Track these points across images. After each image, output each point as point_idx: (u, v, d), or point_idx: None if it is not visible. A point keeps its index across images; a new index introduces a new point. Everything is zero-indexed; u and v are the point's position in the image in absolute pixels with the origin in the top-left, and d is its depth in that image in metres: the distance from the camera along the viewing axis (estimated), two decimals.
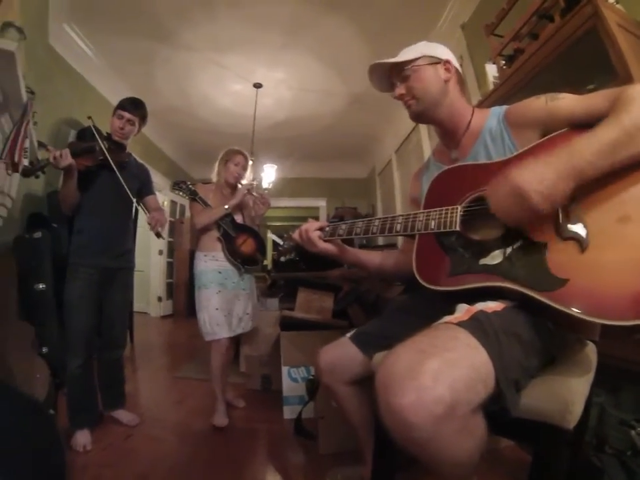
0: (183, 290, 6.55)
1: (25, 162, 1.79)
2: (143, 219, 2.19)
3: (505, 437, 1.45)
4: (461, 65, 1.23)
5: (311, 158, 7.01)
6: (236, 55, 3.87)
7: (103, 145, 1.92)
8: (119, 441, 1.90)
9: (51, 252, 2.17)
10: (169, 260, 6.63)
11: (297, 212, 8.28)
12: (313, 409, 2.01)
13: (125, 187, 1.94)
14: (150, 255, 6.20)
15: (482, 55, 2.53)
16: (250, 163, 2.58)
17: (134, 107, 2.08)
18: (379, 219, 1.17)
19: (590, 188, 0.80)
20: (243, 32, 3.48)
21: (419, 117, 1.20)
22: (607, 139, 0.78)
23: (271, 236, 1.76)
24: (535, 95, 1.02)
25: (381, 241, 5.25)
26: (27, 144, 1.83)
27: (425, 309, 1.00)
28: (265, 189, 5.13)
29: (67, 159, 1.72)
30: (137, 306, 5.25)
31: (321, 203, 7.63)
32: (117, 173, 1.92)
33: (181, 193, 2.35)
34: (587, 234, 0.75)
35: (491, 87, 2.07)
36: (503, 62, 2.01)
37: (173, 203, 6.69)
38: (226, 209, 2.29)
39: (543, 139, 0.95)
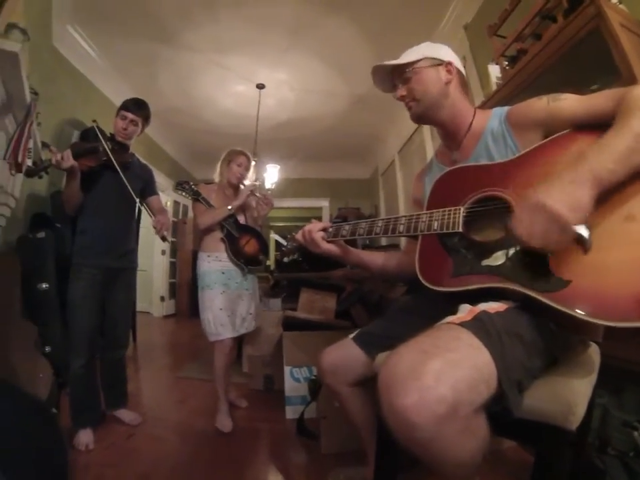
0: (185, 290, 6.56)
1: (29, 162, 1.79)
2: (145, 219, 2.19)
3: (507, 438, 1.44)
4: (464, 66, 1.23)
5: (314, 158, 7.00)
6: (238, 56, 3.88)
7: (106, 146, 1.92)
8: (121, 440, 1.90)
9: (54, 252, 2.18)
10: (171, 260, 6.65)
11: (299, 212, 8.29)
12: (315, 409, 2.00)
13: (129, 187, 1.95)
14: (153, 255, 6.21)
15: (485, 56, 2.53)
16: (252, 163, 2.58)
17: (137, 107, 2.09)
18: (382, 219, 1.17)
19: None
20: (245, 33, 3.49)
21: (419, 118, 1.21)
22: (623, 147, 0.77)
23: (274, 236, 1.76)
24: (537, 96, 1.02)
25: (384, 241, 5.25)
26: (30, 144, 1.84)
27: (428, 309, 1.00)
28: (268, 190, 5.13)
29: (70, 160, 1.73)
30: (140, 306, 5.27)
31: (324, 204, 7.63)
32: (120, 173, 1.93)
33: (183, 194, 2.35)
34: (590, 235, 0.75)
35: (494, 87, 2.07)
36: (506, 63, 2.01)
37: (176, 203, 6.70)
38: (229, 209, 2.29)
39: (545, 140, 0.94)
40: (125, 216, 2.12)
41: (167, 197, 6.05)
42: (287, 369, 2.28)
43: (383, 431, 1.00)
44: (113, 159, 1.92)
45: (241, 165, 2.42)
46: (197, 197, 2.30)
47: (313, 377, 2.15)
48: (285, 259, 1.57)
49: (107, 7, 3.09)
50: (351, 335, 1.28)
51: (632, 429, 1.26)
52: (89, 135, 2.03)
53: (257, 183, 4.71)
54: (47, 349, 1.97)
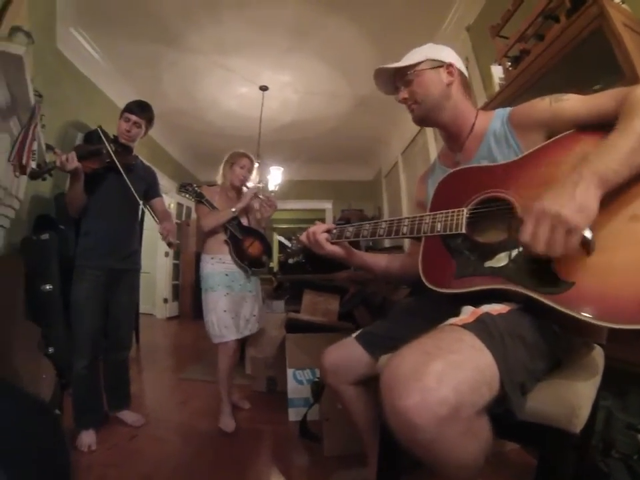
0: (188, 292, 6.57)
1: (33, 164, 1.80)
2: (149, 221, 2.20)
3: (510, 440, 1.44)
4: (466, 67, 1.23)
5: (317, 160, 7.02)
6: (242, 58, 3.89)
7: (109, 148, 1.93)
8: (124, 441, 1.91)
9: (57, 253, 2.19)
10: (175, 262, 6.66)
11: (303, 214, 8.28)
12: (318, 411, 2.00)
13: (132, 189, 1.95)
14: (156, 257, 6.23)
15: (487, 57, 2.53)
16: (256, 165, 2.58)
17: (140, 109, 2.10)
18: (386, 221, 1.17)
19: None
20: (249, 35, 3.50)
21: (422, 121, 1.21)
22: (627, 148, 0.76)
23: (278, 238, 1.76)
24: (540, 96, 1.02)
25: (387, 243, 5.25)
26: (34, 146, 1.85)
27: (431, 311, 1.00)
28: (271, 192, 5.14)
29: (74, 162, 1.74)
30: (143, 307, 5.26)
31: (327, 206, 7.64)
32: (124, 175, 1.93)
33: (187, 196, 2.35)
34: (594, 236, 0.74)
35: (497, 88, 2.07)
36: (509, 63, 2.00)
37: (179, 205, 6.72)
38: (233, 211, 2.29)
39: (548, 141, 0.94)
40: (129, 218, 2.13)
41: (170, 199, 6.07)
42: (289, 371, 2.28)
43: (386, 433, 0.99)
44: (116, 161, 1.93)
45: (244, 167, 2.42)
46: (200, 198, 2.30)
47: (316, 379, 2.14)
48: (290, 261, 1.57)
49: (111, 9, 3.11)
50: (354, 334, 1.28)
51: (636, 431, 1.25)
52: (92, 137, 2.04)
53: (261, 185, 4.73)
54: (50, 350, 1.98)
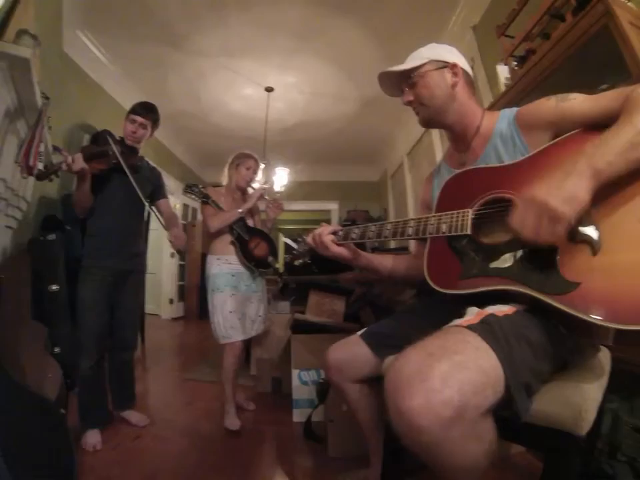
0: (194, 292, 6.59)
1: (40, 166, 1.81)
2: (154, 221, 2.21)
3: (516, 443, 1.43)
4: (472, 67, 1.22)
5: (323, 161, 7.02)
6: (247, 60, 3.90)
7: (115, 149, 1.94)
8: (128, 441, 1.92)
9: (64, 254, 2.20)
10: (180, 263, 6.68)
11: (308, 215, 8.28)
12: (322, 412, 2.00)
13: (138, 190, 1.96)
14: (162, 258, 6.25)
15: (493, 56, 2.51)
16: (261, 166, 2.59)
17: (146, 111, 2.11)
18: (391, 222, 1.18)
19: (602, 189, 0.79)
20: (254, 36, 3.51)
21: (428, 123, 1.21)
22: (623, 140, 0.77)
23: (284, 240, 1.76)
24: (546, 96, 1.01)
25: (393, 243, 5.23)
26: (41, 148, 1.85)
27: (436, 312, 1.00)
28: (277, 193, 5.14)
29: (80, 163, 1.75)
30: (149, 308, 5.30)
31: (333, 206, 7.62)
32: (130, 176, 1.94)
33: (193, 196, 2.36)
34: (599, 236, 0.74)
35: (503, 88, 2.06)
36: (515, 63, 1.99)
37: (185, 206, 6.74)
38: (240, 212, 2.30)
39: (554, 141, 0.94)
40: (135, 218, 2.14)
41: (176, 199, 6.09)
42: (294, 372, 2.27)
43: (390, 434, 0.99)
44: (122, 162, 1.94)
45: (249, 168, 2.42)
46: (206, 199, 2.31)
47: (321, 380, 2.14)
48: (296, 262, 1.57)
49: (117, 12, 3.13)
50: (359, 332, 1.29)
51: None
52: (99, 138, 2.04)
53: (267, 186, 4.74)
54: (56, 349, 1.98)
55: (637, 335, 0.68)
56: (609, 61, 1.36)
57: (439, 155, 4.06)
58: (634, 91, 0.83)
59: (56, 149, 2.36)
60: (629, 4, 1.41)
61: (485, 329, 0.74)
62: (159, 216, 2.19)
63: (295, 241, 1.55)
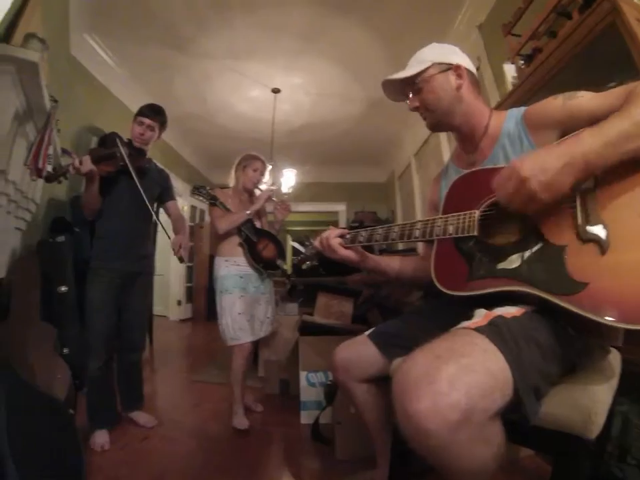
0: (202, 294, 6.61)
1: (49, 168, 1.83)
2: (163, 222, 2.21)
3: (524, 446, 1.41)
4: (478, 67, 1.21)
5: (330, 162, 7.02)
6: (253, 61, 3.91)
7: (123, 151, 1.95)
8: (136, 441, 1.93)
9: (73, 255, 2.22)
10: (188, 264, 6.70)
11: (316, 216, 8.28)
12: (330, 414, 1.99)
13: (143, 194, 1.95)
14: (170, 259, 6.24)
15: (500, 55, 2.49)
16: (268, 168, 2.59)
17: (153, 113, 2.12)
18: (398, 225, 1.17)
19: (610, 187, 0.78)
20: (259, 38, 3.52)
21: (435, 127, 1.21)
22: (617, 130, 0.77)
23: (292, 244, 1.76)
24: (553, 95, 1.00)
25: (400, 245, 5.22)
26: (50, 150, 1.87)
27: (444, 314, 0.99)
28: (285, 194, 5.15)
29: (88, 165, 1.76)
30: (157, 309, 5.32)
31: (341, 208, 7.61)
32: (136, 180, 1.94)
33: (200, 198, 2.37)
34: (608, 235, 0.73)
35: (510, 87, 2.04)
36: (522, 61, 1.97)
37: (193, 207, 6.77)
38: (248, 214, 2.30)
39: (561, 139, 0.92)
40: (143, 220, 2.14)
41: (183, 201, 6.11)
42: (302, 374, 2.27)
43: (398, 436, 0.99)
44: (129, 165, 1.95)
45: (256, 170, 2.43)
46: (214, 201, 2.31)
47: (329, 382, 2.14)
48: (304, 266, 1.57)
49: (123, 15, 3.15)
50: (367, 332, 1.29)
51: None
52: (107, 141, 2.06)
53: (274, 188, 4.75)
54: (65, 350, 2.00)
55: None
56: (616, 59, 1.34)
57: (446, 155, 4.04)
58: (638, 86, 0.82)
59: (64, 151, 2.38)
60: (636, 0, 1.39)
61: (493, 330, 0.73)
62: (165, 230, 2.17)
63: (302, 244, 1.55)
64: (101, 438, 1.83)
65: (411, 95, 1.17)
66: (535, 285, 0.80)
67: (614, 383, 0.88)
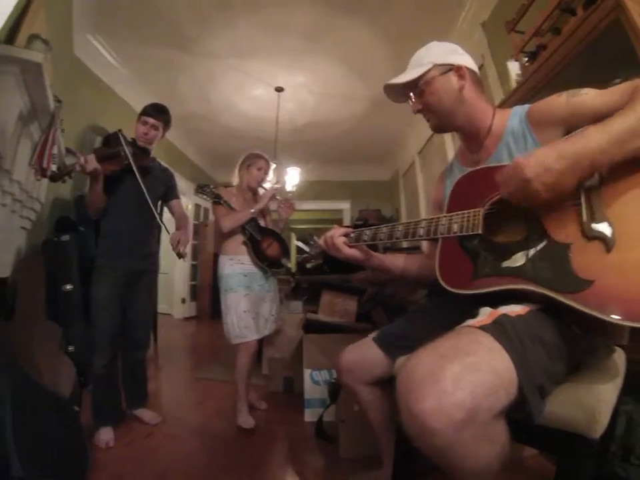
0: (206, 292, 6.61)
1: (53, 167, 1.83)
2: (167, 221, 2.21)
3: (528, 445, 1.41)
4: (482, 64, 1.21)
5: (334, 161, 7.01)
6: (257, 61, 3.91)
7: (127, 150, 1.96)
8: (140, 439, 1.93)
9: (77, 254, 2.23)
10: (193, 262, 6.72)
11: (320, 215, 8.28)
12: (334, 412, 2.00)
13: (146, 194, 1.96)
14: (174, 258, 6.25)
15: (504, 53, 2.47)
16: (272, 166, 2.59)
17: (157, 112, 2.13)
18: (402, 224, 1.17)
19: (615, 184, 0.77)
20: (263, 38, 3.52)
21: (439, 128, 1.22)
22: (623, 127, 0.76)
23: (296, 243, 1.76)
24: (558, 92, 0.99)
25: (405, 243, 5.21)
26: (54, 150, 1.88)
27: (448, 312, 0.99)
28: (289, 193, 5.14)
29: (93, 164, 1.77)
30: (161, 307, 5.33)
31: (345, 206, 7.60)
32: (139, 180, 1.94)
33: (204, 197, 2.37)
34: (613, 233, 0.72)
35: (514, 84, 2.03)
36: (526, 59, 1.95)
37: (197, 206, 6.78)
38: (252, 212, 2.30)
39: (566, 137, 0.92)
40: (147, 219, 2.14)
41: (187, 200, 6.12)
42: (306, 372, 2.27)
43: (402, 435, 0.98)
44: (133, 164, 1.95)
45: (260, 168, 2.43)
46: (218, 199, 2.31)
47: (333, 380, 2.14)
48: (308, 265, 1.57)
49: (126, 15, 3.16)
50: (371, 335, 1.28)
51: None
52: (111, 140, 2.07)
53: (278, 186, 4.75)
54: (70, 348, 2.02)
55: None
56: (621, 55, 1.33)
57: (450, 153, 4.02)
58: None
59: (69, 151, 2.38)
60: None
61: (498, 329, 0.73)
62: (165, 226, 2.17)
63: (306, 243, 1.55)
64: (105, 435, 1.84)
65: (413, 98, 1.16)
66: (540, 283, 0.79)
67: (619, 382, 0.88)
